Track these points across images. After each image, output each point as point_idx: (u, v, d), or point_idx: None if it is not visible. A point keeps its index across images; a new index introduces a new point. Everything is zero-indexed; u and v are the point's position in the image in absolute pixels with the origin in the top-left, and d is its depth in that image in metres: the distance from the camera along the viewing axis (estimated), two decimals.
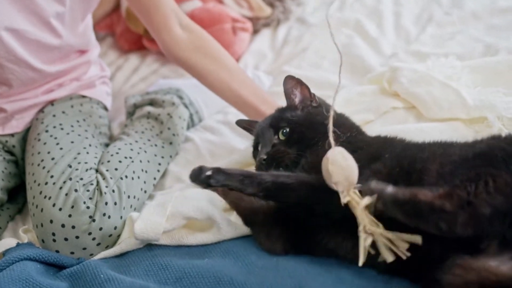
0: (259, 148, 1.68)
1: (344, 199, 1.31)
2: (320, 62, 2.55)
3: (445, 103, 1.88)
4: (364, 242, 1.26)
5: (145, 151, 1.94)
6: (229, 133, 2.22)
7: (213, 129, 2.25)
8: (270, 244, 1.53)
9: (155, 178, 1.94)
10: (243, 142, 2.12)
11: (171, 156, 2.05)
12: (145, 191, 1.87)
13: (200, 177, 1.48)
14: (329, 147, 1.36)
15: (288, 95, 1.74)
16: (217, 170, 1.48)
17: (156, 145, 1.99)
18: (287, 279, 1.42)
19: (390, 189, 1.23)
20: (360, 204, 1.28)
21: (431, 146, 1.46)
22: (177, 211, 1.63)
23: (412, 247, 1.25)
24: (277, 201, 1.51)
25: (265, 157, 1.59)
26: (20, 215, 1.99)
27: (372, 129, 1.78)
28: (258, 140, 1.71)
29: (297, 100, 1.73)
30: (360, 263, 1.25)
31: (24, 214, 1.99)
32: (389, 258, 1.24)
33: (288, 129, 1.63)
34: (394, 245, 1.25)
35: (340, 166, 1.32)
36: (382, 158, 1.45)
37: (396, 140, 1.58)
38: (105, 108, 2.18)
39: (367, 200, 1.27)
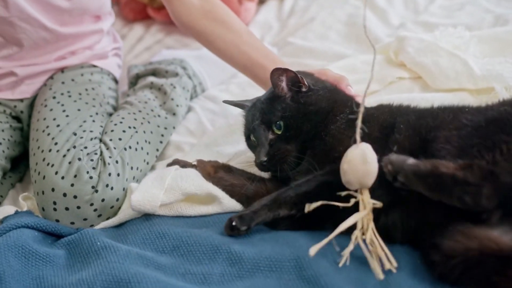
0: (252, 138, 1.60)
1: (351, 201, 1.27)
2: (327, 33, 2.52)
3: (452, 73, 1.85)
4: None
5: (149, 122, 1.91)
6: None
7: (214, 98, 2.23)
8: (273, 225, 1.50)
9: (157, 150, 1.92)
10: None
11: (174, 127, 2.03)
12: (148, 163, 1.85)
13: (232, 231, 1.44)
14: (354, 142, 1.28)
15: (275, 84, 1.56)
16: (240, 217, 1.43)
17: (159, 116, 1.97)
18: (285, 249, 1.40)
19: (411, 161, 1.21)
20: (366, 208, 1.26)
21: (443, 112, 1.43)
22: (176, 185, 1.60)
23: (415, 212, 1.27)
24: None
25: (265, 159, 1.52)
26: (20, 184, 1.98)
27: (378, 99, 1.75)
28: (250, 131, 1.61)
29: (285, 88, 1.57)
30: (341, 264, 1.27)
31: (25, 183, 1.98)
32: (380, 275, 1.22)
33: (281, 123, 1.52)
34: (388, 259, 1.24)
35: (355, 167, 1.26)
36: (397, 128, 1.41)
37: (404, 108, 1.54)
38: (115, 80, 2.15)
39: (371, 205, 1.25)
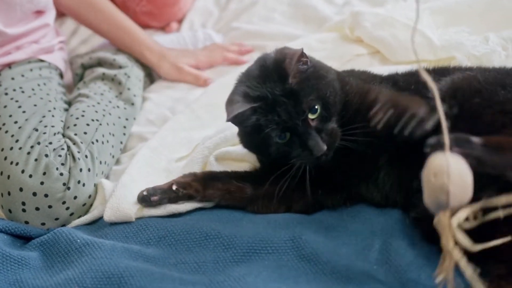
0: (281, 140, 1.38)
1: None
2: (272, 16, 2.47)
3: (411, 45, 1.86)
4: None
5: (110, 113, 1.83)
6: (186, 87, 2.15)
7: (170, 86, 2.16)
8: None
9: (121, 142, 1.84)
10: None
11: (134, 118, 1.95)
12: (113, 156, 1.77)
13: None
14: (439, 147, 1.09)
15: (294, 72, 1.38)
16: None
17: (118, 107, 1.89)
18: (279, 230, 1.38)
19: (477, 140, 1.13)
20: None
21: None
22: None
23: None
24: None
25: (325, 147, 1.35)
26: None
27: None
28: (285, 130, 1.38)
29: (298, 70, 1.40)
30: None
31: None
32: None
33: (316, 105, 1.36)
34: None
35: (457, 183, 1.06)
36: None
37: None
38: (61, 76, 2.06)
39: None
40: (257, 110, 1.37)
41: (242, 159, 1.62)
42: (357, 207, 1.44)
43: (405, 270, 1.25)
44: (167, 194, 1.51)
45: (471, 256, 1.08)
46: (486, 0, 2.03)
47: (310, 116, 1.36)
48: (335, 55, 1.97)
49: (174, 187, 1.51)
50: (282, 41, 2.19)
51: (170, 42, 2.33)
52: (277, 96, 1.36)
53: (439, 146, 1.08)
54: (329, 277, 1.27)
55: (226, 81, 1.98)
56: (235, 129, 1.52)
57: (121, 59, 2.09)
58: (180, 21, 2.64)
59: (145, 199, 1.50)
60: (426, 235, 1.29)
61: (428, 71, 1.42)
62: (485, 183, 1.12)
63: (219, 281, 1.29)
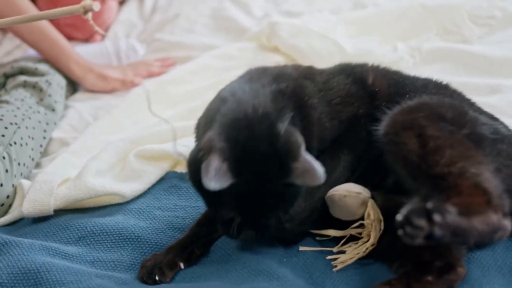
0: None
1: None
2: (193, 27, 2.55)
3: (325, 53, 1.96)
4: None
5: (29, 118, 1.85)
6: (109, 97, 2.18)
7: (93, 96, 2.20)
8: None
9: (41, 146, 1.86)
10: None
11: (55, 123, 1.98)
12: (33, 159, 1.79)
13: None
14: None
15: None
16: None
17: (39, 112, 1.91)
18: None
19: (451, 209, 1.07)
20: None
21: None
22: (66, 194, 1.57)
23: None
24: None
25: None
26: None
27: None
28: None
29: None
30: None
31: None
32: None
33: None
34: None
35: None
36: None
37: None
38: None
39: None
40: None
41: (161, 157, 1.67)
42: None
43: (312, 262, 1.31)
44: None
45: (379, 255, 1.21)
46: (396, 12, 2.15)
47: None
48: (254, 61, 2.02)
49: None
50: (201, 50, 2.27)
51: (92, 52, 2.36)
52: (262, 183, 1.19)
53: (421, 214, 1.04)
54: (239, 272, 1.30)
55: (146, 87, 2.04)
56: (153, 129, 1.57)
57: (43, 67, 2.11)
58: None
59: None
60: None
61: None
62: None
63: (134, 278, 1.34)
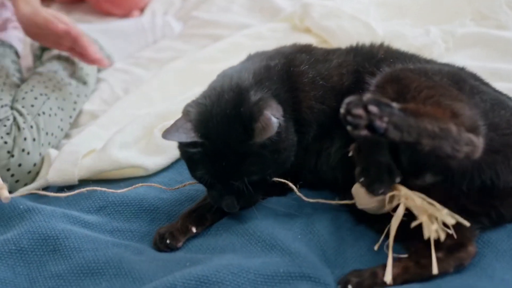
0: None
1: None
2: (229, 6, 2.55)
3: (355, 34, 1.94)
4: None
5: (60, 89, 1.90)
6: (141, 72, 2.21)
7: (125, 70, 2.23)
8: None
9: (71, 117, 1.91)
10: None
11: (86, 96, 2.02)
12: (62, 129, 1.84)
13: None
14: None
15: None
16: None
17: (70, 84, 1.96)
18: None
19: (395, 105, 1.10)
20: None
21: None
22: (91, 165, 1.62)
23: None
24: None
25: (237, 209, 1.35)
26: None
27: None
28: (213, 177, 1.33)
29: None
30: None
31: None
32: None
33: (254, 177, 1.32)
34: None
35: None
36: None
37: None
38: (17, 54, 2.10)
39: None
40: (199, 144, 1.30)
41: None
42: None
43: (326, 240, 1.32)
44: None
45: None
46: None
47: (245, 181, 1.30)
48: (284, 42, 2.02)
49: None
50: (236, 29, 2.27)
51: (128, 27, 2.39)
52: (226, 145, 1.29)
53: (358, 104, 1.07)
54: (254, 246, 1.32)
55: (179, 65, 2.06)
56: (180, 105, 1.58)
57: None
58: (142, 10, 2.69)
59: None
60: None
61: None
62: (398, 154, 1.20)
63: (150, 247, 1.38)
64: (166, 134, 1.30)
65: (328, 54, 1.46)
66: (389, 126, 1.07)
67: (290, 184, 1.35)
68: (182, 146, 1.37)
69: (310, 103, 1.38)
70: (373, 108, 1.06)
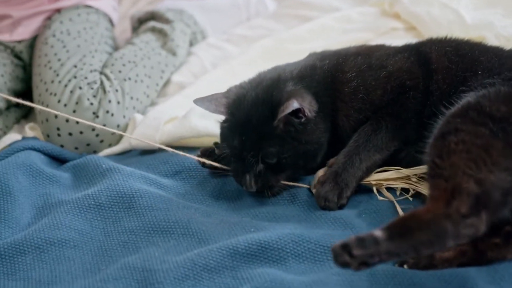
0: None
1: None
2: None
3: (444, 22, 1.93)
4: None
5: (149, 58, 1.99)
6: (232, 48, 2.26)
7: (217, 45, 2.28)
8: None
9: (157, 85, 2.00)
10: None
11: (174, 66, 2.10)
12: (148, 96, 1.93)
13: None
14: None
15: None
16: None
17: (160, 54, 2.04)
18: None
19: (379, 234, 1.04)
20: None
21: None
22: (171, 132, 1.69)
23: None
24: None
25: (254, 189, 1.40)
26: (25, 120, 2.04)
27: None
28: (233, 154, 1.42)
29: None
30: None
31: (30, 120, 2.03)
32: None
33: (274, 159, 1.39)
34: None
35: None
36: None
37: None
38: (111, 23, 2.21)
39: None
40: (227, 120, 1.44)
41: None
42: None
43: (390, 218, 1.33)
44: None
45: None
46: None
47: (266, 160, 1.38)
48: (372, 26, 2.06)
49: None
50: (328, 11, 2.28)
51: (223, 3, 2.44)
52: (250, 123, 1.38)
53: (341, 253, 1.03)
54: (318, 218, 1.36)
55: (267, 43, 2.10)
56: None
57: (170, 14, 2.24)
58: None
59: None
60: None
61: None
62: None
63: (223, 209, 1.44)
64: (199, 100, 1.45)
65: (388, 57, 1.47)
66: (382, 258, 1.04)
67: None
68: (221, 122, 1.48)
69: (348, 112, 1.44)
70: (357, 252, 1.02)
